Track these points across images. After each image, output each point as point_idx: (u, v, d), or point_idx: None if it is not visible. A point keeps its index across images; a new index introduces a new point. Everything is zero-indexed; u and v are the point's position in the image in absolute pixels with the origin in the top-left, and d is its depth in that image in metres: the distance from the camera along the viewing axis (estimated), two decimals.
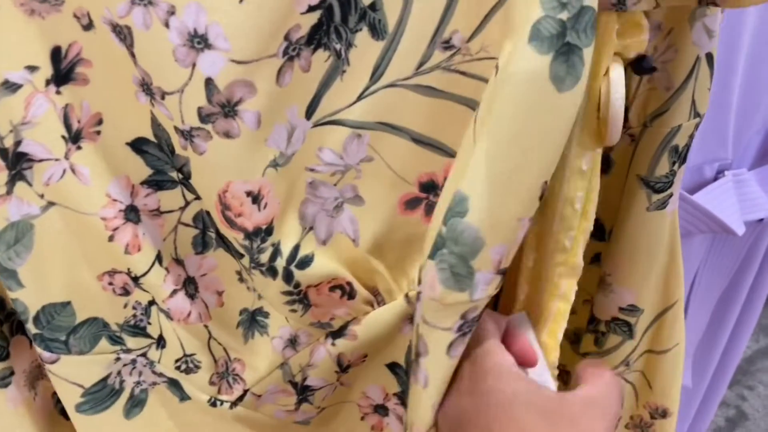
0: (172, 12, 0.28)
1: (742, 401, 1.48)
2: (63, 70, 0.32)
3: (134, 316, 0.38)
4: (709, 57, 0.35)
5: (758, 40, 0.49)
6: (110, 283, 0.37)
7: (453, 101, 0.32)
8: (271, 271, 0.34)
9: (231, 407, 0.40)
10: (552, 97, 0.27)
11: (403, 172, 0.34)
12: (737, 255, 0.63)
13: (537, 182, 0.29)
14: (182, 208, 0.36)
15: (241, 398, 0.39)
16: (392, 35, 0.30)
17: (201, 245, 0.37)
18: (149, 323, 0.38)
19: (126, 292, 0.37)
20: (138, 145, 0.34)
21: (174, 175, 0.35)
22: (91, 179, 0.34)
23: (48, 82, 0.32)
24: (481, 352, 0.33)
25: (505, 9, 0.28)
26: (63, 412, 0.39)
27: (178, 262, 0.37)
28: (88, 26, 0.31)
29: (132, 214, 0.35)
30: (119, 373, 0.39)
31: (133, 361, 0.39)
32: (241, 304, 0.38)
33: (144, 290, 0.37)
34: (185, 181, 0.34)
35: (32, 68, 0.32)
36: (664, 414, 0.48)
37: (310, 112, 0.32)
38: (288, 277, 0.34)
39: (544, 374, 0.34)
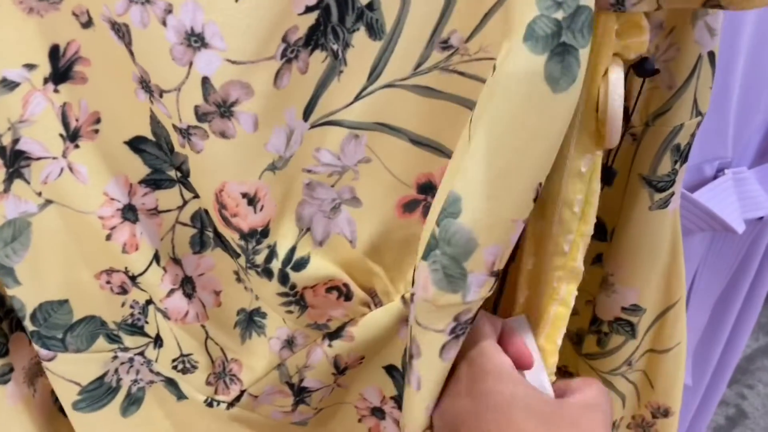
0: (169, 10, 0.28)
1: (742, 400, 1.48)
2: (61, 69, 0.32)
3: (132, 315, 0.38)
4: (711, 55, 0.35)
5: (758, 38, 0.48)
6: (108, 282, 0.37)
7: (451, 102, 0.31)
8: (267, 273, 0.34)
9: (228, 408, 0.39)
10: (546, 98, 0.26)
11: (401, 174, 0.33)
12: (737, 253, 0.63)
13: (531, 183, 0.28)
14: (180, 208, 0.36)
15: (238, 399, 0.39)
16: (390, 35, 0.30)
17: (199, 245, 0.37)
18: (147, 322, 0.38)
19: (123, 291, 0.37)
20: (136, 144, 0.34)
21: (172, 173, 0.35)
22: (89, 178, 0.34)
23: (46, 81, 0.32)
24: (477, 353, 0.33)
25: (505, 9, 0.28)
26: (62, 409, 0.39)
27: (176, 261, 0.37)
28: (87, 24, 0.31)
29: (130, 213, 0.35)
30: (116, 371, 0.39)
31: (131, 360, 0.39)
32: (238, 304, 0.38)
33: (141, 289, 0.37)
34: (184, 179, 0.34)
35: (30, 66, 0.32)
36: (666, 413, 0.48)
37: (307, 114, 0.31)
38: (284, 278, 0.34)
39: (541, 376, 0.34)
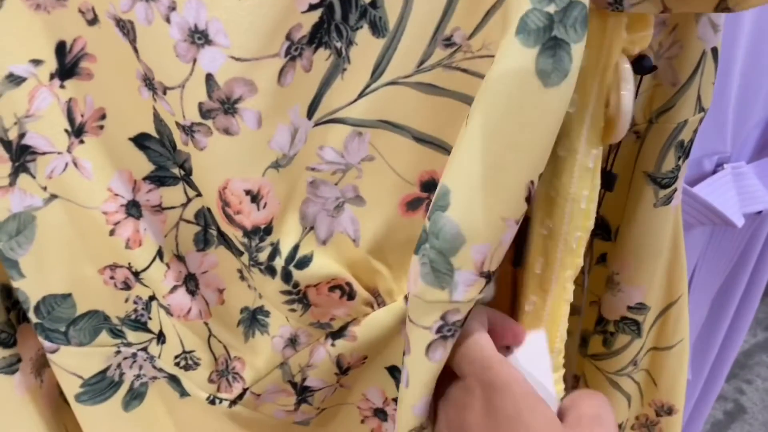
0: (173, 7, 0.28)
1: (741, 395, 1.48)
2: (67, 65, 0.33)
3: (135, 310, 0.38)
4: (714, 51, 0.35)
5: (757, 33, 0.48)
6: (112, 277, 0.37)
7: (454, 99, 0.31)
8: (270, 270, 0.34)
9: (230, 406, 0.39)
10: (538, 92, 0.26)
11: (404, 172, 0.33)
12: (736, 247, 0.62)
13: (522, 180, 0.28)
14: (184, 205, 0.36)
15: (240, 397, 0.39)
16: (393, 33, 0.30)
17: (202, 242, 0.37)
18: (150, 318, 0.38)
19: (127, 287, 0.37)
20: (140, 141, 0.34)
21: (176, 171, 0.35)
22: (93, 173, 0.35)
23: (52, 76, 0.33)
24: (485, 366, 0.32)
25: (505, 5, 0.28)
26: (68, 401, 0.40)
27: (179, 258, 0.37)
28: (93, 21, 0.31)
29: (133, 209, 0.36)
30: (119, 365, 0.39)
31: (134, 355, 0.39)
32: (242, 302, 0.38)
33: (145, 285, 0.37)
34: (187, 177, 0.34)
35: (37, 62, 0.32)
36: (670, 411, 0.47)
37: (311, 112, 0.31)
38: (287, 276, 0.34)
39: (548, 387, 0.34)
